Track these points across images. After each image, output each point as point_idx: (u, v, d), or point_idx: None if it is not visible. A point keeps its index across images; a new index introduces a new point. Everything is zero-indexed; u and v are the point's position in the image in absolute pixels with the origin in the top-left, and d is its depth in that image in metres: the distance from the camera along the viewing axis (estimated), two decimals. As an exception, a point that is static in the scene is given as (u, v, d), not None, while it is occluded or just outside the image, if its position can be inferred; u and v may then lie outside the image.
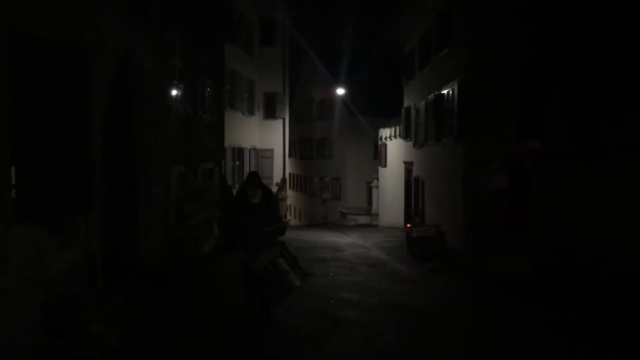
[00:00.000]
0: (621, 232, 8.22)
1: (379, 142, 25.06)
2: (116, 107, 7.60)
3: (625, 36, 8.78)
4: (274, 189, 25.74)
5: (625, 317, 6.96)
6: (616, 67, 8.95)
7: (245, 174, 22.79)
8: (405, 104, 20.00)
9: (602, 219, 8.57)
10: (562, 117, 10.15)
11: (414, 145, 17.80)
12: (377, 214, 25.59)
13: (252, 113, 23.91)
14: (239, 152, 21.68)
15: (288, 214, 30.26)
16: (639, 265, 7.86)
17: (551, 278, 8.73)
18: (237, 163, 21.52)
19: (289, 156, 30.08)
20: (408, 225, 15.58)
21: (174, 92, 11.70)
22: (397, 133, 21.54)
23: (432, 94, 14.68)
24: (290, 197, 32.55)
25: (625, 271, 7.90)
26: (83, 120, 6.10)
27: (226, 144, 18.49)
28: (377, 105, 27.46)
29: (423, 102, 16.06)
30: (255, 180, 6.37)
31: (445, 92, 13.56)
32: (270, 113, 25.84)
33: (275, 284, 5.78)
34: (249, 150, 23.28)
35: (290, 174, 33.45)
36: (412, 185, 18.45)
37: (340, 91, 29.77)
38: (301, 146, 37.28)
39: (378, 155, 25.83)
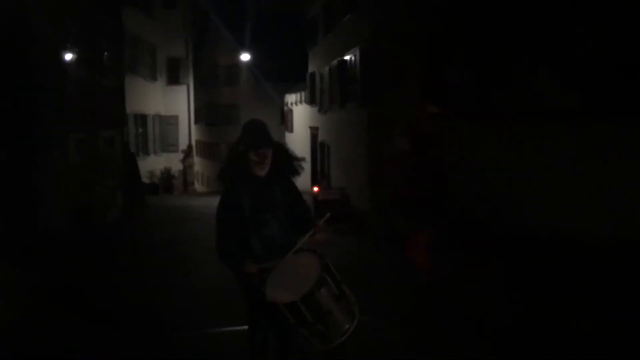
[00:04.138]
0: (517, 191, 8.85)
1: (285, 108, 25.15)
2: (7, 69, 7.19)
3: (522, 7, 9.29)
4: (180, 156, 25.29)
5: (522, 267, 7.53)
6: (513, 37, 9.48)
7: (150, 142, 22.50)
8: (310, 70, 20.14)
9: (499, 178, 9.19)
10: (462, 83, 10.69)
11: (319, 111, 18.06)
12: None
13: (154, 78, 23.17)
14: (142, 119, 21.02)
15: (196, 180, 29.87)
16: (534, 221, 8.50)
17: (455, 234, 9.29)
18: (141, 130, 20.88)
19: (196, 122, 29.50)
20: (315, 189, 15.90)
21: (70, 55, 11.14)
22: (303, 99, 21.69)
23: (336, 60, 14.90)
24: (198, 163, 32.06)
25: (521, 225, 8.54)
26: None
27: (128, 110, 17.86)
28: (284, 71, 27.37)
29: (327, 68, 16.27)
30: (261, 134, 3.40)
31: (348, 58, 13.82)
32: (174, 78, 25.17)
33: (306, 329, 3.08)
34: (153, 117, 22.63)
35: (197, 140, 32.84)
36: (318, 150, 18.77)
37: (246, 57, 29.37)
38: (208, 112, 36.53)
39: (285, 120, 25.94)
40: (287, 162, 3.52)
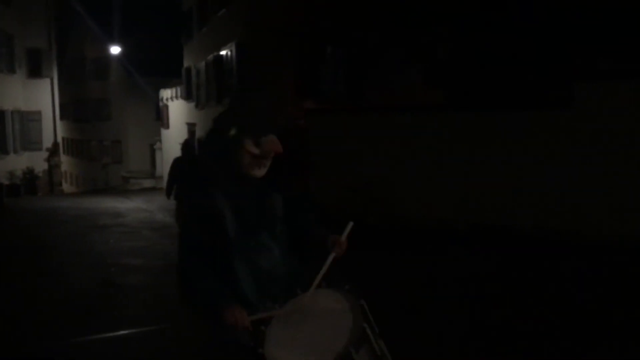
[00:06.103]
0: (388, 182, 9.23)
1: (161, 104, 24.35)
2: None
3: (390, 7, 9.70)
4: (44, 155, 23.58)
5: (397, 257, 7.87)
6: (383, 36, 9.87)
7: (9, 140, 20.72)
8: (186, 64, 19.67)
9: (370, 170, 9.53)
10: (334, 78, 10.97)
11: (196, 107, 17.69)
12: (162, 177, 25.00)
13: (12, 71, 21.40)
14: (-2, 114, 19.36)
15: (64, 180, 28.07)
16: (406, 211, 8.90)
17: (332, 226, 9.51)
18: (-3, 127, 19.24)
19: (61, 119, 27.68)
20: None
21: None
22: (179, 94, 21.12)
23: (212, 55, 14.67)
24: (65, 162, 30.16)
25: (394, 215, 8.91)
26: None
27: (-18, 105, 16.38)
28: (159, 65, 26.49)
29: (203, 63, 15.97)
30: (266, 114, 2.15)
31: (224, 52, 13.65)
32: (36, 71, 23.38)
33: None
34: (11, 112, 20.88)
35: (63, 138, 30.86)
36: (196, 147, 18.37)
37: (116, 49, 28.04)
38: (75, 108, 34.45)
39: (160, 116, 25.11)
40: (294, 161, 2.30)
